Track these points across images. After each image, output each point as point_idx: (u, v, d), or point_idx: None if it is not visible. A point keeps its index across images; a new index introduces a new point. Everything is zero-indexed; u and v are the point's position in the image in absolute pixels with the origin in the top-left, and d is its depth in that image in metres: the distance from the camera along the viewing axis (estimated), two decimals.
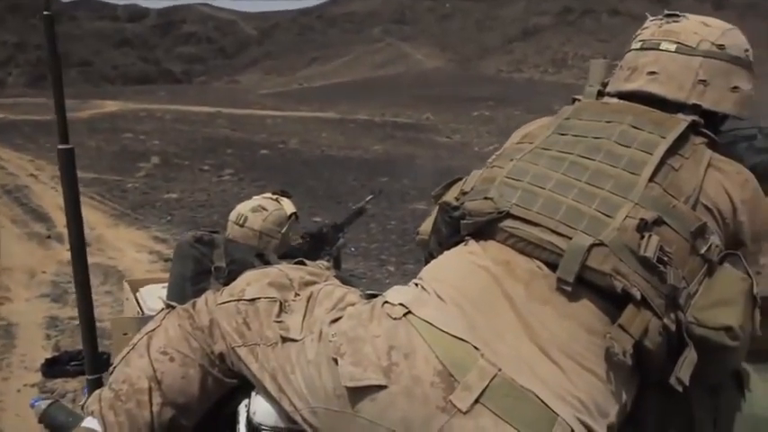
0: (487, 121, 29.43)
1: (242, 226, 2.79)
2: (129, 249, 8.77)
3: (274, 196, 3.01)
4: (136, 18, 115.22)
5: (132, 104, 33.16)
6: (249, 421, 1.43)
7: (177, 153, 19.16)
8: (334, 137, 24.53)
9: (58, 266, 7.84)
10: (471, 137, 24.94)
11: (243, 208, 2.89)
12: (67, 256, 1.61)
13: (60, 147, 1.85)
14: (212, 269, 2.23)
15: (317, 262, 2.28)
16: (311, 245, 3.17)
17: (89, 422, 1.36)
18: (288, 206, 2.95)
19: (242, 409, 1.46)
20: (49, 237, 9.16)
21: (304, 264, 1.83)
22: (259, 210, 2.85)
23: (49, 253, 8.57)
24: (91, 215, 11.90)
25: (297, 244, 3.08)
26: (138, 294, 2.74)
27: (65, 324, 6.05)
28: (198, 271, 2.20)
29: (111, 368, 1.46)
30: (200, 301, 1.52)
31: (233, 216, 2.87)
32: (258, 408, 1.41)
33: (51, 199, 12.01)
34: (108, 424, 1.33)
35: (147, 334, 1.46)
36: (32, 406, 1.77)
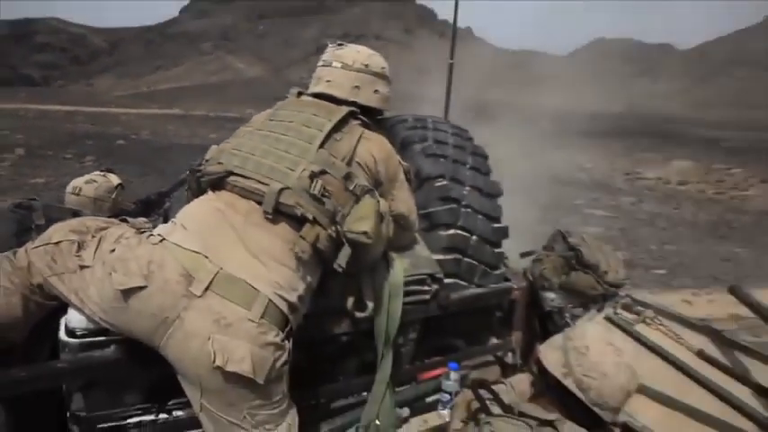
0: None
1: (78, 195, 2.71)
2: None
3: (102, 172, 2.92)
4: None
5: None
6: (67, 328, 1.47)
7: (41, 145, 16.80)
8: (178, 129, 23.24)
9: None
10: None
11: (77, 182, 2.78)
12: None
13: None
14: (33, 227, 2.12)
15: (138, 219, 2.23)
16: (141, 208, 3.08)
17: None
18: (114, 179, 2.87)
19: (62, 321, 1.49)
20: None
21: (126, 221, 1.84)
22: (91, 181, 2.77)
23: None
24: None
25: (130, 209, 2.97)
26: None
27: None
28: (20, 230, 2.09)
29: None
30: (21, 249, 1.51)
31: (69, 188, 2.75)
32: (72, 318, 1.45)
33: None
34: None
35: None
36: None
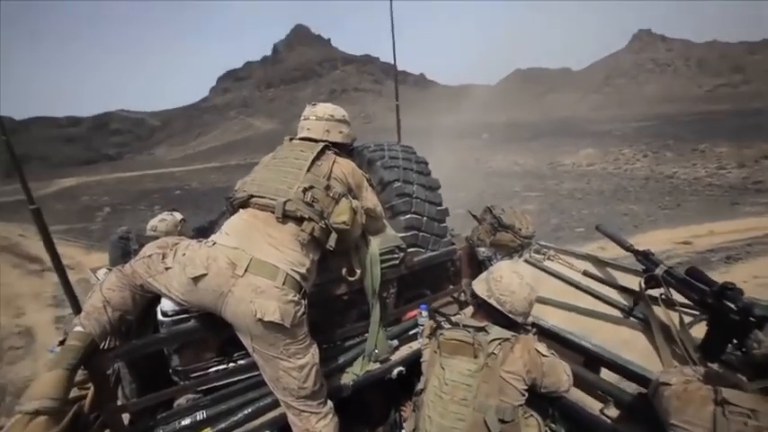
0: None
1: (155, 231, 2.69)
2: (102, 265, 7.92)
3: (170, 212, 2.92)
4: (75, 124, 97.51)
5: (84, 178, 28.61)
6: (162, 311, 1.56)
7: (122, 203, 17.49)
8: (218, 177, 23.63)
9: (55, 286, 7.24)
10: None
11: (153, 221, 2.78)
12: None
13: (30, 207, 1.71)
14: (132, 250, 2.20)
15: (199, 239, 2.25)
16: (198, 234, 2.95)
17: (76, 329, 1.39)
18: (178, 215, 2.88)
19: (158, 308, 1.57)
20: (42, 270, 8.48)
21: None
22: (162, 220, 2.77)
23: (45, 281, 8.00)
24: (70, 250, 10.25)
25: (191, 235, 2.82)
26: (96, 274, 2.60)
27: (68, 318, 5.48)
28: (124, 254, 2.18)
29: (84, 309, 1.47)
30: (126, 264, 1.58)
31: (148, 226, 2.75)
32: (165, 304, 1.55)
33: (38, 248, 10.62)
34: (84, 326, 1.39)
35: (99, 284, 1.53)
36: (51, 351, 1.70)
